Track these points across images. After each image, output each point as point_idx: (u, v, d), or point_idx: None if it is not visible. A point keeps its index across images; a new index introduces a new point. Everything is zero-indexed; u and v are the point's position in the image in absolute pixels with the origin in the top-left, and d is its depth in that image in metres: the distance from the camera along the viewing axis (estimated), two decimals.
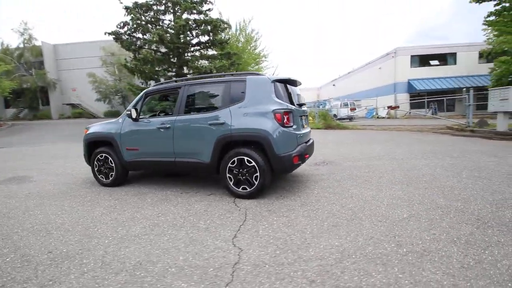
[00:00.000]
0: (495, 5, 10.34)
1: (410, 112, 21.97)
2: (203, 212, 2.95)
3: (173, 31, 16.61)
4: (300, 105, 3.76)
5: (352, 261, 1.92)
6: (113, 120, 4.37)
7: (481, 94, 17.28)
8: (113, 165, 4.11)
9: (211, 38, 18.29)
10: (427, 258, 1.92)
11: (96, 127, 4.34)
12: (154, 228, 2.61)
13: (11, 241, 2.46)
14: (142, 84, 18.56)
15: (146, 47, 17.68)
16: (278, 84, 3.37)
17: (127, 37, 17.56)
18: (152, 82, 18.48)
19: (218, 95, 3.59)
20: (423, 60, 24.58)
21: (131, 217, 2.90)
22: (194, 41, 18.55)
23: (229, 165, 3.35)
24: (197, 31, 18.12)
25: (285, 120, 3.18)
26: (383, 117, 23.57)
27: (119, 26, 16.86)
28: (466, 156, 5.42)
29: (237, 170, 3.33)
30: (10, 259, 2.14)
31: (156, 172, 4.99)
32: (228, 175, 3.38)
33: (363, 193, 3.37)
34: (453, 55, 24.16)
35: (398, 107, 21.19)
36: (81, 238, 2.46)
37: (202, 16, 17.78)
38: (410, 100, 23.05)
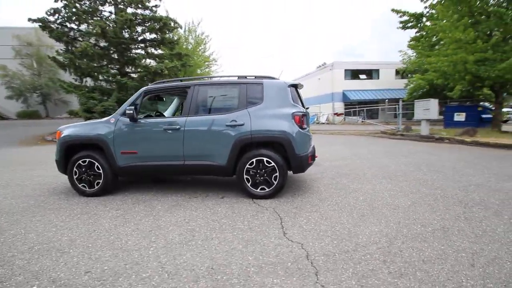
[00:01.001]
0: (416, 33, 12.84)
1: (345, 119, 25.05)
2: (232, 214, 2.90)
3: (115, 25, 15.06)
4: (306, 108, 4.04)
5: (400, 241, 2.24)
6: (100, 120, 3.83)
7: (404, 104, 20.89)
8: (101, 171, 3.60)
9: (158, 36, 17.25)
10: (450, 232, 2.38)
11: (76, 128, 3.72)
12: (194, 233, 2.46)
13: (16, 266, 1.98)
14: (76, 81, 16.25)
15: (82, 39, 15.57)
16: (292, 88, 3.57)
17: (58, 26, 15.16)
18: (89, 79, 16.41)
19: (233, 97, 3.57)
20: (354, 73, 28.34)
21: (156, 226, 2.65)
22: (140, 38, 17.19)
23: (247, 166, 3.37)
24: (143, 27, 16.92)
25: (302, 122, 3.39)
26: (323, 123, 26.22)
27: (48, 13, 14.44)
28: (413, 154, 6.60)
29: (254, 171, 3.37)
30: (37, 287, 1.74)
31: (141, 178, 4.55)
32: (245, 176, 3.39)
33: (362, 188, 3.83)
34: (377, 71, 28.57)
35: (342, 114, 23.90)
36: (114, 252, 2.15)
37: (148, 12, 16.69)
38: (345, 108, 26.23)
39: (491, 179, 4.12)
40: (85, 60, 14.63)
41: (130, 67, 17.39)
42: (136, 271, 1.88)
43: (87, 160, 3.61)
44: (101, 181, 3.62)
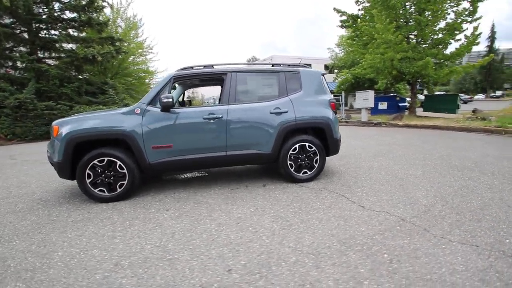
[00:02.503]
0: (352, 31, 14.68)
1: None
2: (296, 198, 2.98)
3: None
4: None
5: (450, 198, 2.80)
6: (116, 111, 3.22)
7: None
8: (125, 170, 3.08)
9: (83, 16, 14.69)
10: (470, 188, 3.08)
11: (86, 122, 3.04)
12: (285, 220, 2.47)
13: None
14: None
15: None
16: (322, 76, 3.78)
17: None
18: None
19: (272, 84, 3.52)
20: None
21: (238, 218, 2.52)
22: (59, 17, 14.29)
23: (290, 152, 3.46)
24: (62, 4, 14.14)
25: (335, 108, 3.67)
26: None
27: None
28: (374, 137, 7.76)
29: (297, 156, 3.49)
30: None
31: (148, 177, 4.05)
32: (289, 162, 3.47)
33: (373, 165, 4.41)
34: (309, 65, 31.21)
35: None
36: (237, 247, 2.00)
37: None
38: None
39: (448, 149, 5.31)
40: None
41: (46, 52, 14.30)
42: (280, 257, 1.83)
43: (106, 159, 3.03)
44: (125, 182, 3.10)
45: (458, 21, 12.25)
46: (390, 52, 12.11)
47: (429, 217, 2.40)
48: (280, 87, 3.50)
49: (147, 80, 23.91)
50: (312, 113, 3.49)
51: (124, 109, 3.18)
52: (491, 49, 44.99)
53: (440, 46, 12.81)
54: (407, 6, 12.75)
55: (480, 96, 42.80)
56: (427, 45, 12.78)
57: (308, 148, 3.51)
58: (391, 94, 17.39)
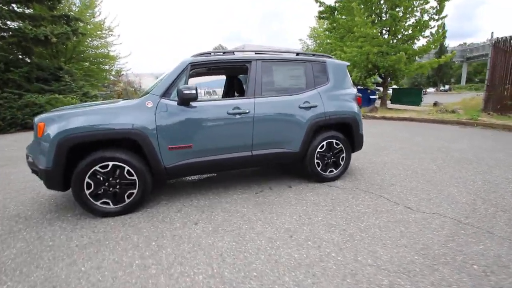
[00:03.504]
0: (329, 23, 14.76)
1: None
2: (333, 201, 2.75)
3: None
4: None
5: (482, 191, 2.80)
6: (121, 103, 2.59)
7: None
8: (135, 177, 2.54)
9: None
10: (487, 172, 3.15)
11: (82, 117, 2.38)
12: (343, 229, 2.22)
13: None
14: None
15: None
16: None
17: None
18: None
19: (300, 75, 3.16)
20: None
21: (286, 232, 2.20)
22: None
23: (318, 149, 3.20)
24: None
25: (360, 102, 3.47)
26: None
27: None
28: None
29: (324, 154, 3.25)
30: None
31: None
32: (316, 160, 3.22)
33: (385, 160, 4.36)
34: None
35: None
36: (294, 275, 1.69)
37: None
38: None
39: (440, 141, 5.54)
40: None
41: None
42: (370, 280, 1.57)
43: (110, 164, 2.45)
44: (135, 191, 2.56)
45: (427, 19, 12.98)
46: (367, 46, 12.42)
47: (481, 217, 2.34)
48: (308, 79, 3.17)
49: (107, 66, 21.66)
50: (340, 107, 3.24)
51: (131, 102, 2.58)
52: (441, 46, 49.55)
53: (409, 42, 13.51)
54: (381, 2, 13.15)
55: (431, 89, 47.13)
56: (396, 40, 13.37)
57: (335, 145, 3.28)
58: (363, 87, 18.11)
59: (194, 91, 2.50)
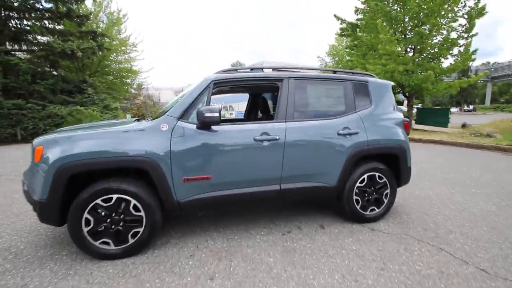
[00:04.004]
0: (351, 41, 14.42)
1: None
2: (384, 255, 2.20)
3: None
4: None
5: None
6: (131, 125, 2.24)
7: None
8: (143, 213, 2.13)
9: (61, 6, 13.17)
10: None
11: (88, 141, 2.04)
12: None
13: None
14: None
15: None
16: None
17: None
18: None
19: (338, 96, 2.73)
20: None
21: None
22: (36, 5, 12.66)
23: (357, 184, 2.69)
24: None
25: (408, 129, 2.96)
26: None
27: None
28: None
29: (365, 189, 2.73)
30: None
31: None
32: (355, 197, 2.70)
33: (435, 192, 3.75)
34: None
35: None
36: None
37: None
38: None
39: (485, 171, 4.82)
40: None
41: (16, 44, 12.57)
42: None
43: (115, 197, 2.06)
44: (141, 229, 2.14)
45: (455, 36, 12.35)
46: (392, 64, 11.89)
47: None
48: (347, 101, 2.72)
49: (129, 80, 22.29)
50: (386, 135, 2.74)
51: (144, 124, 2.22)
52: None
53: (435, 60, 12.85)
54: (405, 19, 12.70)
55: (454, 109, 45.23)
56: (422, 58, 12.73)
57: (377, 179, 2.76)
58: None
59: (217, 114, 2.10)
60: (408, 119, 2.93)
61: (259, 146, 2.34)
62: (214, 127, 2.25)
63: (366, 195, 2.76)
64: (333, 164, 2.56)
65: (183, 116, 2.24)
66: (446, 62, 14.74)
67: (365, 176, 2.70)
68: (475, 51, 12.47)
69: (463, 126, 14.18)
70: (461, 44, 12.55)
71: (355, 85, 2.77)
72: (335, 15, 14.00)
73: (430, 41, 12.27)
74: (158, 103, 21.27)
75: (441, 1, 11.34)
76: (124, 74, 20.91)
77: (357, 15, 13.98)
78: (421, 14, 11.82)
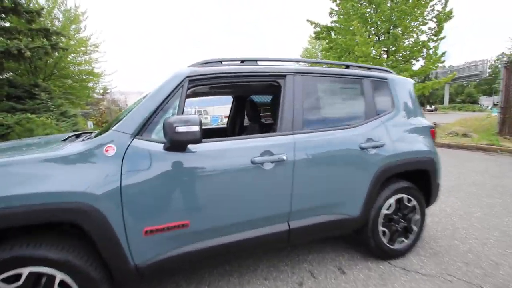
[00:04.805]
0: (326, 44, 14.28)
1: None
2: None
3: None
4: None
5: None
6: (56, 148, 1.39)
7: None
8: None
9: (6, 0, 11.47)
10: None
11: None
12: None
13: None
14: None
15: None
16: None
17: None
18: None
19: (356, 98, 2.09)
20: None
21: None
22: None
23: (384, 211, 2.07)
24: None
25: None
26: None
27: None
28: None
29: (391, 216, 2.13)
30: None
31: None
32: (381, 228, 2.08)
33: (454, 207, 3.29)
34: None
35: None
36: None
37: None
38: None
39: (483, 175, 4.56)
40: None
41: None
42: None
43: (25, 272, 1.21)
44: None
45: (426, 39, 12.68)
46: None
47: None
48: (367, 103, 2.09)
49: (91, 84, 20.32)
50: (415, 146, 2.16)
51: (74, 147, 1.39)
52: None
53: (408, 63, 13.10)
54: (378, 22, 12.80)
55: None
56: (395, 60, 12.90)
57: (406, 203, 2.16)
58: None
59: (196, 128, 1.33)
60: (434, 125, 2.37)
61: (259, 171, 1.61)
62: (191, 147, 1.48)
63: (393, 223, 2.15)
64: (356, 188, 1.91)
65: (142, 131, 1.44)
66: (417, 65, 15.22)
67: (393, 200, 2.09)
68: (443, 53, 12.90)
69: (435, 125, 14.62)
70: (431, 47, 12.91)
71: (374, 84, 2.15)
72: (308, 20, 13.77)
73: (402, 43, 12.45)
74: (125, 108, 19.62)
75: (413, 4, 11.55)
76: (84, 77, 19.01)
77: (331, 17, 13.89)
78: (393, 16, 11.94)
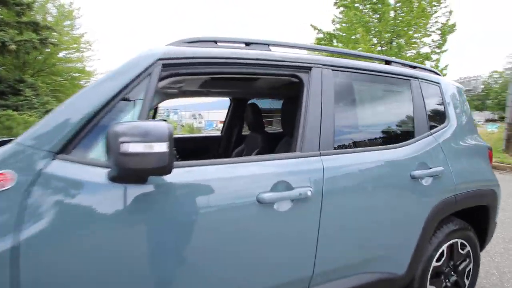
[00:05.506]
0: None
1: None
2: None
3: None
4: None
5: None
6: None
7: None
8: None
9: None
10: None
11: None
12: None
13: None
14: None
15: None
16: None
17: None
18: None
19: (402, 105, 1.53)
20: None
21: None
22: None
23: (434, 263, 1.49)
24: None
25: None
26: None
27: None
28: None
29: (441, 269, 1.55)
30: None
31: None
32: (430, 286, 1.49)
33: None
34: None
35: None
36: None
37: None
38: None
39: None
40: None
41: None
42: None
43: None
44: None
45: (429, 51, 12.45)
46: None
47: None
48: (417, 113, 1.52)
49: (82, 82, 19.49)
50: (476, 175, 1.62)
51: None
52: None
53: None
54: (382, 32, 12.54)
55: None
56: None
57: (459, 249, 1.59)
58: None
59: (161, 147, 0.72)
60: (491, 146, 1.82)
61: (269, 215, 1.01)
62: (154, 179, 0.86)
63: (443, 277, 1.57)
64: (405, 235, 1.35)
65: (70, 145, 0.83)
66: None
67: (445, 247, 1.52)
68: (446, 66, 12.66)
69: None
70: (433, 59, 12.66)
71: (425, 87, 1.59)
72: (311, 25, 13.45)
73: (405, 54, 12.18)
74: None
75: (417, 14, 11.30)
76: (75, 74, 18.27)
77: (334, 25, 13.59)
78: (397, 27, 11.69)
